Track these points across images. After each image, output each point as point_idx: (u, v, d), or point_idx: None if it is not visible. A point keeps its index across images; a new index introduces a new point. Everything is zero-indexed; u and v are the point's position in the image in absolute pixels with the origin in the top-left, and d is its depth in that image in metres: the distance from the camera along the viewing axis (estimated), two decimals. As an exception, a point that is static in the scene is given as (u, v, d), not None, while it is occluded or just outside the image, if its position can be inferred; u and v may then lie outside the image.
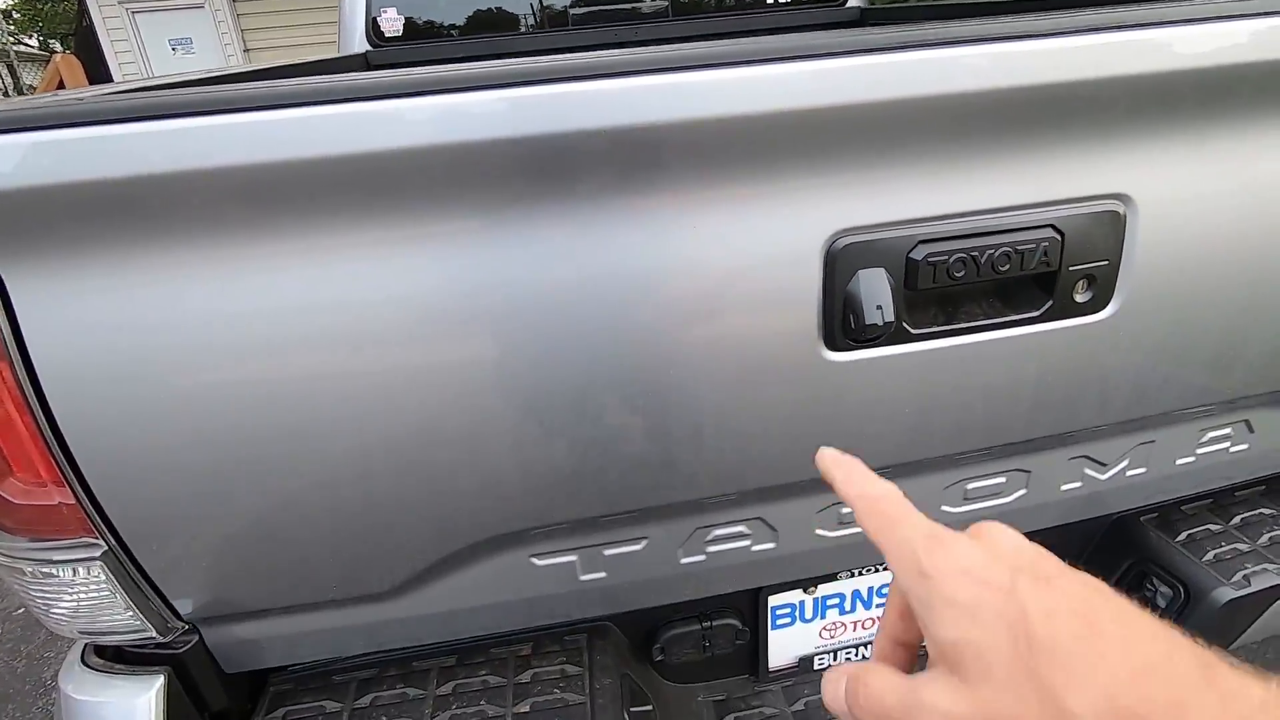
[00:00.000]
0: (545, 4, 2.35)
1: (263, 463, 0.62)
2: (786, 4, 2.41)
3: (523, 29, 2.34)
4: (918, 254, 0.63)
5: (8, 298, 0.55)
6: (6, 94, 12.51)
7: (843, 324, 0.64)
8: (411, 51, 2.26)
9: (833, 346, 0.65)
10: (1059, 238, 0.65)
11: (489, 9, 2.35)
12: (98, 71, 8.48)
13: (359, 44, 2.23)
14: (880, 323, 0.63)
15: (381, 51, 2.23)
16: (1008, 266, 0.64)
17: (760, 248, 0.62)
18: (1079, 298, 0.69)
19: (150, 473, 0.62)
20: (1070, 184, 0.65)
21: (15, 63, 12.93)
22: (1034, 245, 0.65)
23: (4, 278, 0.54)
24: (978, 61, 0.59)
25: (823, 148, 0.60)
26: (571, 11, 2.35)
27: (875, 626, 1.01)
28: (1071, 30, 0.59)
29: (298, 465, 0.63)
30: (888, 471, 0.77)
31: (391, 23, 2.22)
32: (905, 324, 0.65)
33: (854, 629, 1.00)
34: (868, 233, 0.62)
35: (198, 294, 0.57)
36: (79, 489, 0.61)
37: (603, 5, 2.36)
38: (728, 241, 0.61)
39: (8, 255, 0.54)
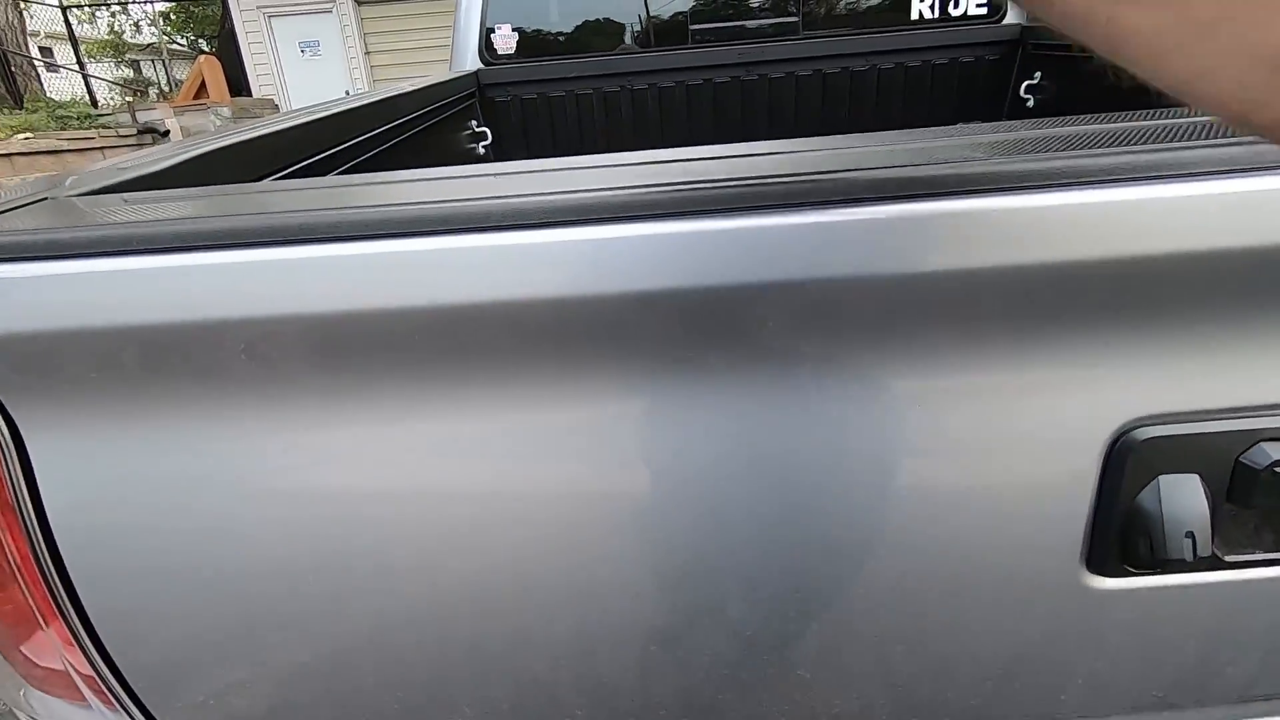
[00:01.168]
0: (662, 20, 2.20)
1: (330, 638, 0.49)
2: (934, 20, 2.14)
3: (638, 46, 2.20)
4: (1257, 457, 0.42)
5: (24, 448, 0.44)
6: (160, 89, 13.69)
7: (1121, 545, 0.44)
8: (522, 70, 2.16)
9: (1098, 570, 0.45)
10: None
11: (602, 23, 2.22)
12: (236, 72, 9.08)
13: (471, 61, 2.15)
14: (1189, 558, 0.42)
15: (492, 70, 2.15)
16: (1398, 481, 0.42)
17: (1015, 437, 0.42)
18: None
19: (184, 650, 0.50)
20: None
21: (168, 60, 14.14)
22: None
23: (20, 426, 0.43)
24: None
25: (1118, 305, 0.40)
26: (691, 28, 2.18)
27: None
28: None
29: (373, 652, 0.50)
30: (1130, 714, 0.58)
31: (505, 40, 2.13)
32: (1217, 550, 0.44)
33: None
34: (1178, 424, 0.42)
35: (248, 455, 0.43)
36: (95, 654, 0.50)
37: (725, 21, 2.18)
38: (968, 427, 0.42)
39: (24, 403, 0.42)
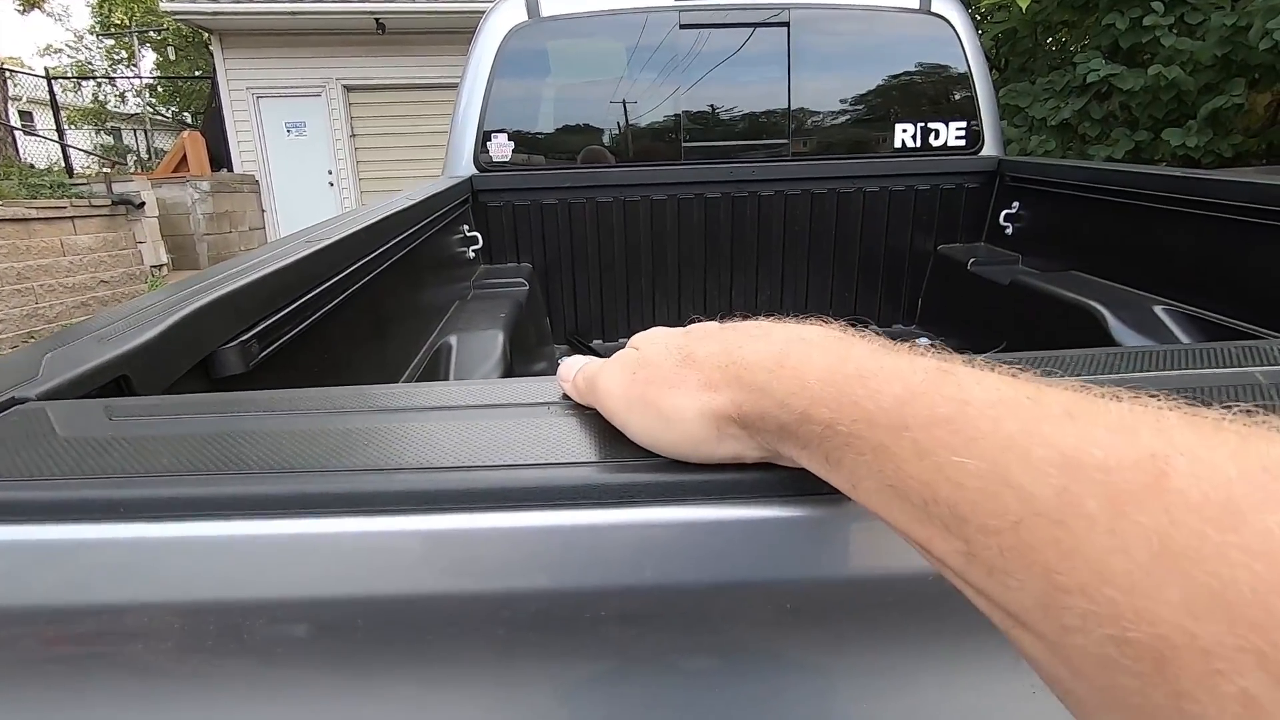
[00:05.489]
0: (656, 135, 2.26)
1: None
2: (916, 149, 2.24)
3: (631, 160, 2.24)
4: None
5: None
6: (139, 158, 13.72)
7: None
8: (516, 177, 2.18)
9: None
10: None
11: (597, 135, 2.27)
12: (219, 147, 9.16)
13: (465, 166, 2.16)
14: None
15: (487, 175, 2.16)
16: None
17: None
18: None
19: None
20: None
21: (150, 129, 14.26)
22: None
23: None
24: None
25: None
26: (685, 145, 2.24)
27: None
28: None
29: None
30: None
31: (501, 149, 2.16)
32: None
33: None
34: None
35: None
36: None
37: (717, 140, 2.25)
38: None
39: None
